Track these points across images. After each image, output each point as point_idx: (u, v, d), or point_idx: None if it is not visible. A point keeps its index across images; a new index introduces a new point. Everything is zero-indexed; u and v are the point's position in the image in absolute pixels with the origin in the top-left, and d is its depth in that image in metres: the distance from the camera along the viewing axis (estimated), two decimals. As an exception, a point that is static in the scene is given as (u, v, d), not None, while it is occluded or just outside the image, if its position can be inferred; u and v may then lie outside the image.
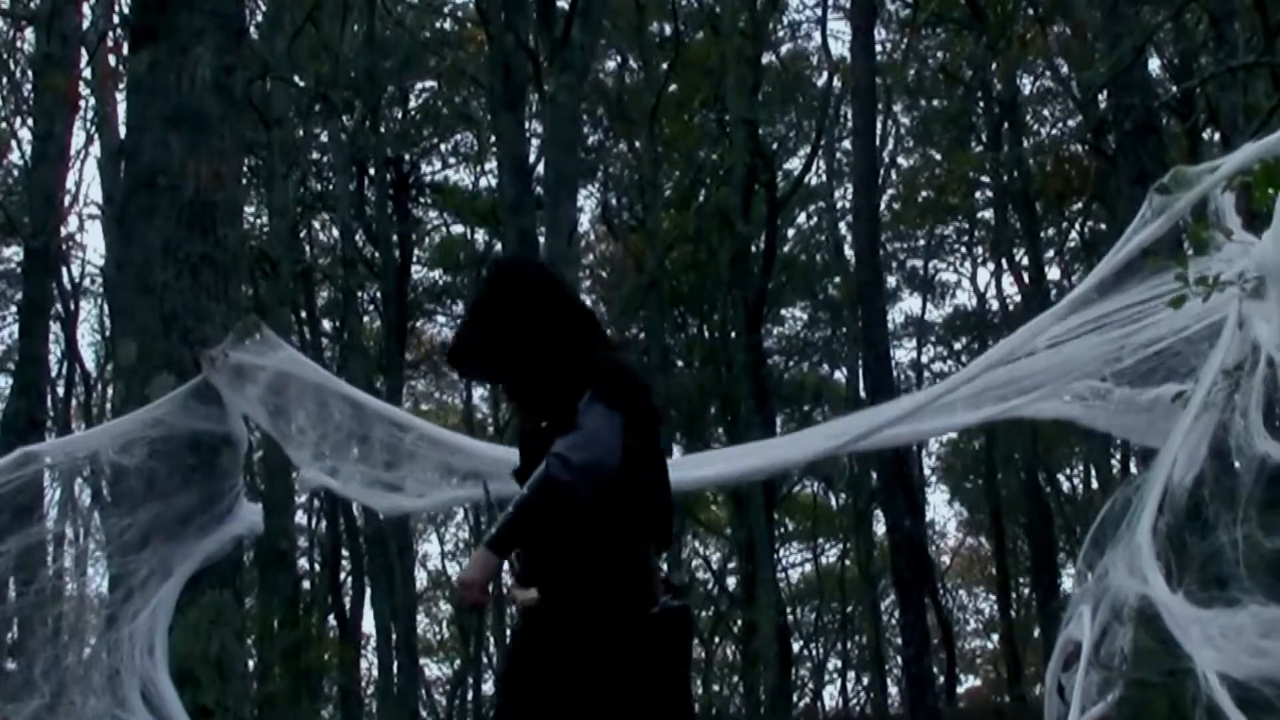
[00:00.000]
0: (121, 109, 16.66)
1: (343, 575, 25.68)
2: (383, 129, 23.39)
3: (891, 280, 27.81)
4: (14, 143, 20.53)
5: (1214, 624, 2.98)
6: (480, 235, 27.32)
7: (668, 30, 23.00)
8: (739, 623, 26.25)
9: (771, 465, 6.01)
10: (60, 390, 25.01)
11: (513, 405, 3.73)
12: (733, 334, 24.18)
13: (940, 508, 44.52)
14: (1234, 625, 2.95)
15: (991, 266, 27.78)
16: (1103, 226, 21.90)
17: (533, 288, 3.62)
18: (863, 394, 20.91)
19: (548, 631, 3.41)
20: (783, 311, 28.98)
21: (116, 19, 16.71)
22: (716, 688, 34.27)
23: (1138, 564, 3.25)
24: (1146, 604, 3.23)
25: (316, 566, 28.41)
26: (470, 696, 30.33)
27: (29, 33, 18.11)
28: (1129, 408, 4.15)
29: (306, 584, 26.49)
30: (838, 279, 26.43)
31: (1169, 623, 3.10)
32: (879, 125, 22.36)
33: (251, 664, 16.68)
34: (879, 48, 21.65)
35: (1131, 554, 3.29)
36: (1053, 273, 24.81)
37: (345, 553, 24.92)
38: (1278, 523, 3.15)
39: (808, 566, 34.35)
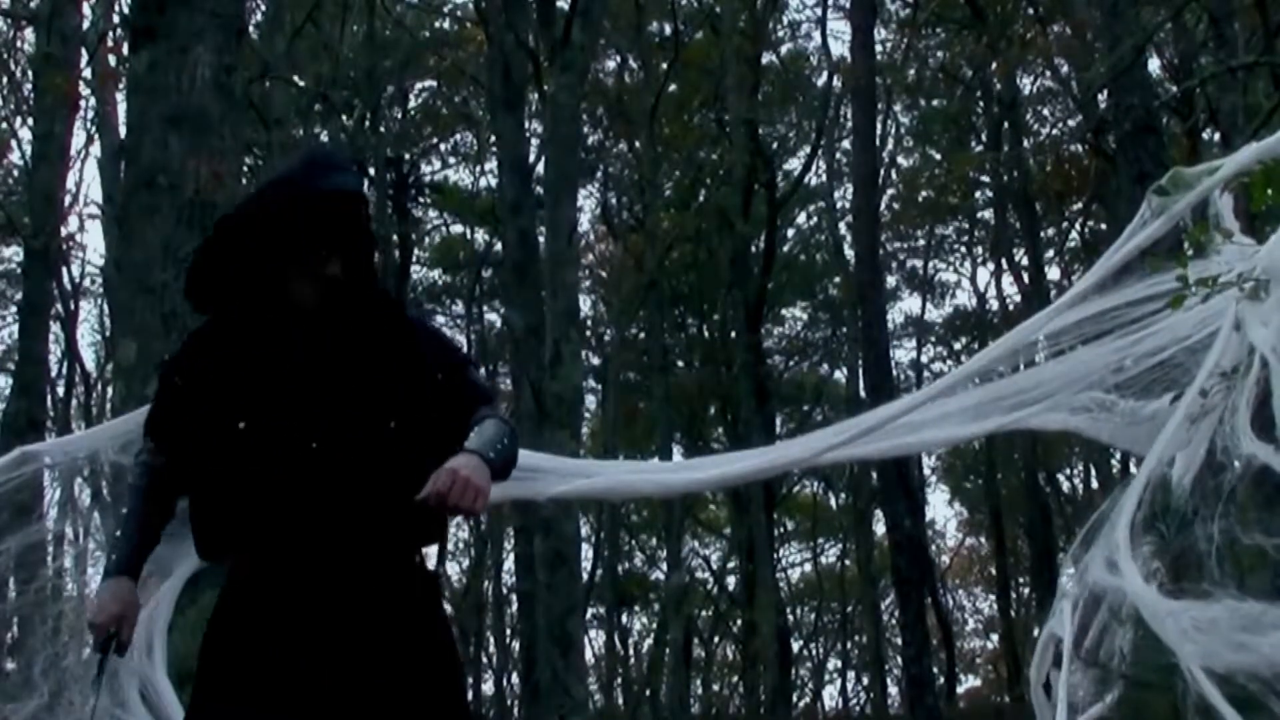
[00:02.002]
0: (121, 109, 16.68)
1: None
2: (383, 129, 23.38)
3: (891, 280, 27.84)
4: (14, 143, 20.54)
5: (1186, 616, 2.97)
6: (480, 235, 27.35)
7: (668, 30, 22.99)
8: (739, 623, 26.26)
9: (774, 465, 5.99)
10: (60, 390, 25.01)
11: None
12: (733, 334, 24.18)
13: (940, 508, 44.71)
14: (1207, 618, 2.93)
15: (991, 266, 27.81)
16: (1103, 226, 21.89)
17: None
18: (863, 394, 20.90)
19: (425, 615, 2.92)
20: (783, 311, 28.99)
21: (116, 19, 16.73)
22: (716, 688, 34.30)
23: (1114, 558, 3.25)
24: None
25: (316, 566, 28.34)
26: (470, 695, 30.27)
27: (29, 33, 18.12)
28: (1134, 420, 4.13)
29: (306, 584, 26.42)
30: (838, 279, 26.43)
31: (1145, 615, 3.10)
32: (879, 125, 22.39)
33: (251, 664, 16.68)
34: (879, 48, 21.69)
35: (1109, 549, 3.29)
36: (1052, 273, 24.85)
37: (345, 552, 24.87)
38: (1265, 520, 3.15)
39: (808, 566, 34.40)
